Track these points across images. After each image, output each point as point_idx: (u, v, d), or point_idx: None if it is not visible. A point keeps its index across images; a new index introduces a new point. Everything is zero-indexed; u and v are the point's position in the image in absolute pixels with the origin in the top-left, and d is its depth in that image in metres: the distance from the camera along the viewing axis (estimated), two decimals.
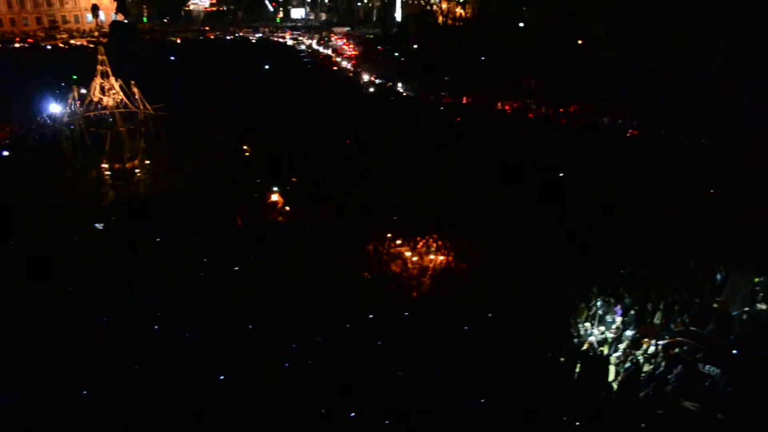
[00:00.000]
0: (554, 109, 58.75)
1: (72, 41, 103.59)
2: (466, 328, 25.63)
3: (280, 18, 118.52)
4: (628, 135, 52.55)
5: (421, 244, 32.93)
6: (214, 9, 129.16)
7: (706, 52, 63.63)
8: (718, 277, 27.54)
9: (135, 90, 44.65)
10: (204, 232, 33.25)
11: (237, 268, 29.82)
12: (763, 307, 26.25)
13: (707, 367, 22.08)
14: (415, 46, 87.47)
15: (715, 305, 25.76)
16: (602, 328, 26.03)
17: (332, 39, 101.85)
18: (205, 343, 23.96)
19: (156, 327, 25.14)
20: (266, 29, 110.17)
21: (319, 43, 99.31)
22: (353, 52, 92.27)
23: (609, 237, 31.83)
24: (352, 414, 20.94)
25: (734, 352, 23.55)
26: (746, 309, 25.75)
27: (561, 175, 41.83)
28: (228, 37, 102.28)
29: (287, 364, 23.19)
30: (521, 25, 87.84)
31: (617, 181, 39.59)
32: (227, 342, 24.09)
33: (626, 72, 64.59)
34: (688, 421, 20.78)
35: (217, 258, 30.57)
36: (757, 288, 27.08)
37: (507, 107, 61.59)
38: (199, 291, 27.51)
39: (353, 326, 25.54)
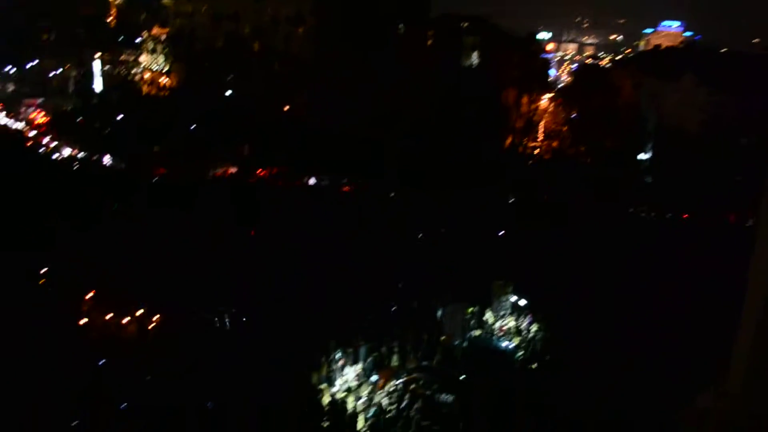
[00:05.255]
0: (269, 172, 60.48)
1: None
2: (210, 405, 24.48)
3: None
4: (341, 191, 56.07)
5: None
6: None
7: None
8: (439, 313, 30.12)
9: None
10: None
11: None
12: (478, 333, 29.44)
13: (443, 396, 23.85)
14: (120, 117, 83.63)
15: (442, 338, 28.16)
16: (344, 379, 26.70)
17: (24, 112, 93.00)
18: None
19: None
20: None
21: (8, 116, 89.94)
22: (44, 119, 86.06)
23: (335, 291, 32.87)
24: None
25: (461, 378, 25.89)
26: (465, 337, 28.66)
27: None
28: None
29: None
30: (228, 93, 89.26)
31: (334, 236, 41.28)
32: None
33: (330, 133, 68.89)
34: None
35: None
36: (471, 318, 30.34)
37: (227, 173, 61.77)
38: None
39: None
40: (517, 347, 28.57)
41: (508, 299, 30.45)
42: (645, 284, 32.51)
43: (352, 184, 56.97)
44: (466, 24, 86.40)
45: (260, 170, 61.86)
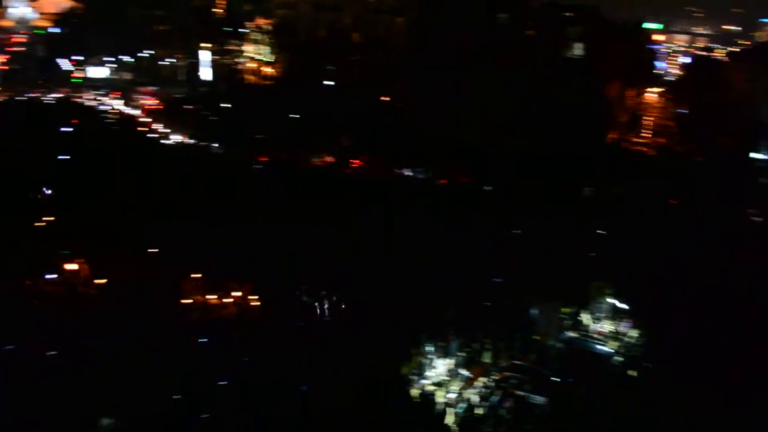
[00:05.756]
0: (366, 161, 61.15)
1: None
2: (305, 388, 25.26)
3: (82, 78, 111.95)
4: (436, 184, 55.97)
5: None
6: (2, 68, 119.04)
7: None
8: (534, 311, 29.62)
9: None
10: None
11: None
12: (574, 335, 28.75)
13: (535, 396, 23.51)
14: (226, 105, 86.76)
15: (536, 337, 27.72)
16: (435, 371, 26.79)
17: (138, 99, 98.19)
18: None
19: None
20: (65, 89, 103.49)
21: (124, 104, 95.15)
22: (156, 107, 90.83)
23: (426, 283, 32.91)
24: None
25: (553, 379, 25.41)
26: (560, 338, 28.06)
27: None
28: (19, 99, 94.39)
29: None
30: (331, 83, 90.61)
31: (430, 229, 41.17)
32: None
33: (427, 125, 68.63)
34: None
35: None
36: (566, 318, 29.67)
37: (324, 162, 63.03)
38: None
39: None
40: (614, 352, 27.71)
41: (606, 301, 29.54)
42: (757, 293, 30.70)
43: (448, 176, 56.67)
44: (569, 13, 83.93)
45: (357, 160, 62.55)
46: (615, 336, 28.60)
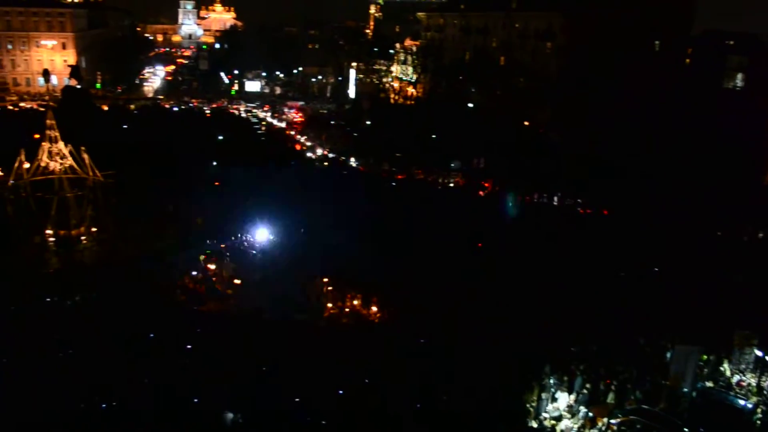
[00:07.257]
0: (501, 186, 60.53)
1: (22, 104, 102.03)
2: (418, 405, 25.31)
3: (235, 90, 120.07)
4: (579, 213, 54.34)
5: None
6: (170, 78, 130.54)
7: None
8: (668, 355, 27.94)
9: (85, 156, 43.84)
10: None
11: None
12: (710, 384, 26.79)
13: None
14: (368, 122, 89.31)
15: (666, 382, 26.12)
16: (556, 405, 25.99)
17: (286, 112, 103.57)
18: None
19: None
20: (221, 101, 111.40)
21: (273, 116, 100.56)
22: (302, 120, 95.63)
23: (559, 315, 32.01)
24: None
25: (685, 430, 23.80)
26: (695, 386, 26.25)
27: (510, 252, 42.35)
28: (182, 107, 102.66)
29: None
30: (470, 105, 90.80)
31: (565, 259, 40.14)
32: None
33: (571, 152, 66.93)
34: None
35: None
36: (704, 365, 27.72)
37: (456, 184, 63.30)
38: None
39: None
40: (755, 407, 25.47)
41: (752, 352, 27.27)
42: None
43: (588, 206, 54.83)
44: (731, 41, 78.90)
45: (491, 184, 62.13)
46: (757, 390, 26.34)
